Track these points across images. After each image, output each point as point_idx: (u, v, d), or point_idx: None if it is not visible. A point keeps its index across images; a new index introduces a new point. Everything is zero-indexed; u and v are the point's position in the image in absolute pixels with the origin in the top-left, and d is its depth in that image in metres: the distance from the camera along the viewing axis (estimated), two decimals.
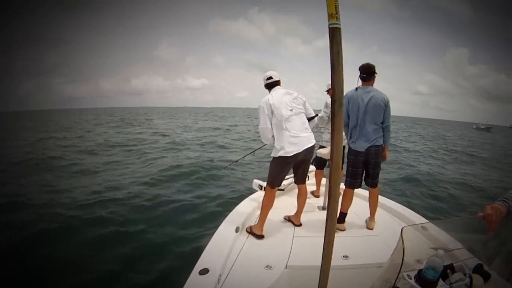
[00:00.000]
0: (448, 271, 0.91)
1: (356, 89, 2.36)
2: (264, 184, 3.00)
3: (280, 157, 2.23)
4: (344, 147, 2.95)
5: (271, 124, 2.26)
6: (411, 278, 0.90)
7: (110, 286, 2.66)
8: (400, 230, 0.93)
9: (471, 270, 0.94)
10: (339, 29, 0.75)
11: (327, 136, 3.25)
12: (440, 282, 0.88)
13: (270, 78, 2.40)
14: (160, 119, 34.07)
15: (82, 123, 27.35)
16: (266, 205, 2.32)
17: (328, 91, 3.40)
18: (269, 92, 2.39)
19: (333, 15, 0.74)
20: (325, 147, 3.14)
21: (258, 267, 1.80)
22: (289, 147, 2.20)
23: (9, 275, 2.72)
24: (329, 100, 3.29)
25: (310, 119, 2.44)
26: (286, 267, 1.84)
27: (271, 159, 2.34)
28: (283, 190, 3.34)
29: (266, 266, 1.80)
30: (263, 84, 2.47)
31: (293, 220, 2.52)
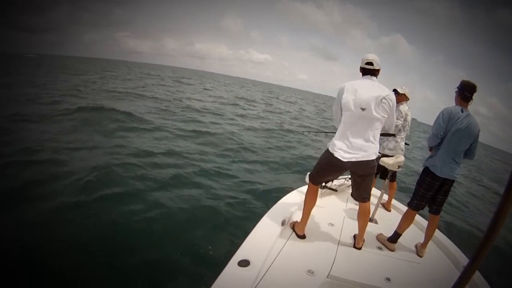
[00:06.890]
0: None
1: (462, 110, 2.06)
2: None
3: (330, 152, 1.93)
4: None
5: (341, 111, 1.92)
6: None
7: None
8: None
9: None
10: None
11: (392, 144, 3.03)
12: None
13: (370, 63, 1.89)
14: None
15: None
16: (308, 203, 2.09)
17: (397, 94, 2.95)
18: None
19: None
20: (388, 155, 2.89)
21: (300, 270, 1.69)
22: (336, 148, 1.89)
23: None
24: (401, 106, 3.02)
25: (383, 135, 1.99)
26: (328, 276, 1.71)
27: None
28: (336, 190, 3.18)
29: (308, 271, 1.69)
30: (358, 67, 2.01)
31: (355, 242, 2.16)
